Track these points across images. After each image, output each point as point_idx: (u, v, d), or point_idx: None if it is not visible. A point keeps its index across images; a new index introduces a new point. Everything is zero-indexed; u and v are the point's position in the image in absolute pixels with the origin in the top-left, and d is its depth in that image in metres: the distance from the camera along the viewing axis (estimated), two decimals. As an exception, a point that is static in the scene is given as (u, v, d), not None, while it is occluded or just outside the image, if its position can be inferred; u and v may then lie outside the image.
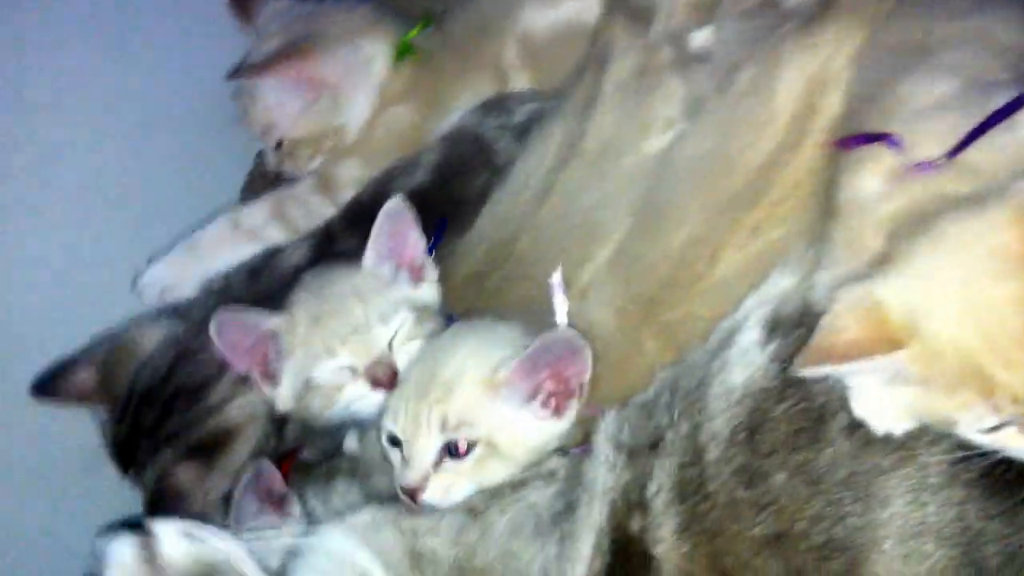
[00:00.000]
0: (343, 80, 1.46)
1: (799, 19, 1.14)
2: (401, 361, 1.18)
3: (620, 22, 1.29)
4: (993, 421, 0.77)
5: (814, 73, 1.09)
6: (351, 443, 1.29)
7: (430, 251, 1.28)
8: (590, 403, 1.10)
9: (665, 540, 0.90)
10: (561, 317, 1.13)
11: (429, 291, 1.26)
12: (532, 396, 1.07)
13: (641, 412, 1.01)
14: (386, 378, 1.16)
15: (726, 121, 1.13)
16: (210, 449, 1.28)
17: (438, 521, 1.02)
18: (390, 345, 1.19)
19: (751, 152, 1.10)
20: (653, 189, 1.17)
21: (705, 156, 1.13)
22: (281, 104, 1.45)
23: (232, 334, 1.22)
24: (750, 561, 0.86)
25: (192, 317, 1.36)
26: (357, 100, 1.48)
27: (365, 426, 1.28)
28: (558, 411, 1.08)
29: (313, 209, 1.47)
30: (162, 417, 1.30)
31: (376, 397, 1.17)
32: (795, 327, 0.91)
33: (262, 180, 1.58)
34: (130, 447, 1.32)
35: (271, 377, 1.24)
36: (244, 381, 1.28)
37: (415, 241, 1.24)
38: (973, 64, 0.96)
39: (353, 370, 1.19)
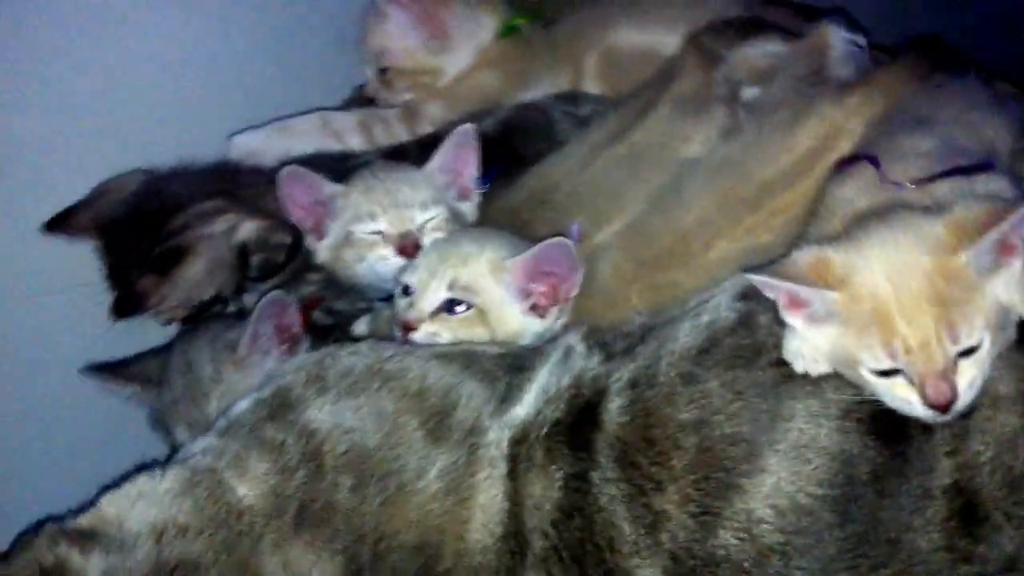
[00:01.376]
0: (457, 32, 1.71)
1: (835, 85, 1.39)
2: (426, 241, 1.39)
3: (694, 55, 1.54)
4: (887, 364, 0.97)
5: (834, 123, 1.31)
6: (360, 327, 1.50)
7: (487, 182, 1.51)
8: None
9: (611, 411, 1.10)
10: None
11: (468, 209, 1.49)
12: (525, 296, 1.30)
13: (619, 332, 1.22)
14: (409, 248, 1.38)
15: (753, 142, 1.36)
16: (167, 263, 1.47)
17: (360, 346, 1.23)
18: (421, 228, 1.41)
19: (766, 169, 1.31)
20: (677, 179, 1.39)
21: (728, 163, 1.35)
22: (402, 33, 1.68)
23: (295, 188, 1.44)
24: (672, 434, 1.06)
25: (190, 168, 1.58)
26: (460, 53, 1.72)
27: (378, 311, 1.50)
28: (541, 314, 1.31)
29: (393, 132, 1.70)
30: (134, 241, 1.49)
31: (396, 262, 1.38)
32: (763, 295, 1.11)
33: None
34: (115, 271, 1.51)
35: (319, 232, 1.46)
36: (208, 216, 1.49)
37: (472, 166, 1.47)
38: (957, 139, 1.20)
39: (386, 236, 1.40)
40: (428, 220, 1.41)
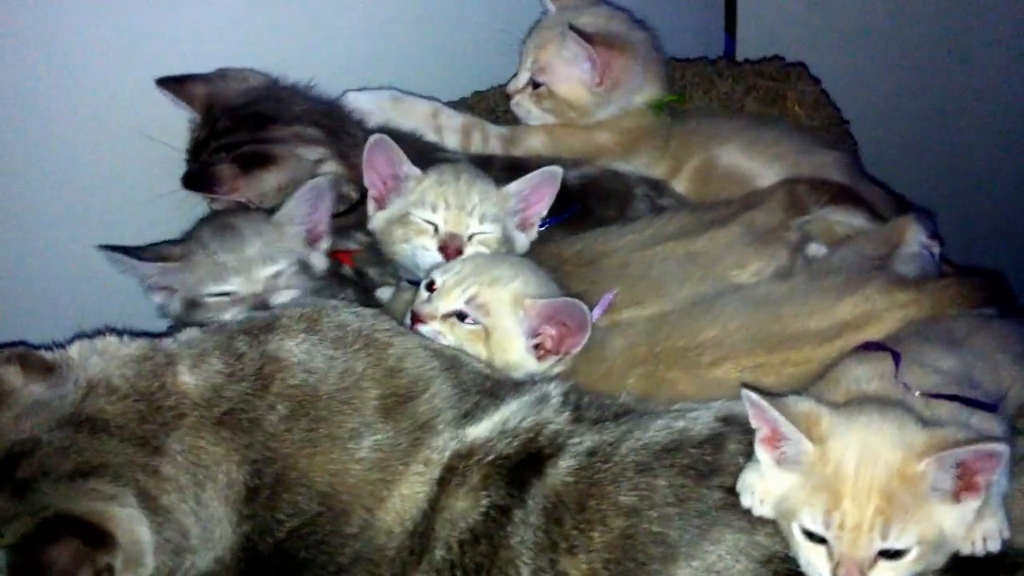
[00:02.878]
0: (618, 89, 1.76)
1: (893, 275, 1.44)
2: (468, 251, 1.47)
3: (784, 195, 1.62)
4: (819, 529, 1.03)
5: (875, 309, 1.37)
6: (384, 294, 1.60)
7: (551, 223, 1.59)
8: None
9: (559, 468, 1.16)
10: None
11: (523, 240, 1.57)
12: (532, 335, 1.37)
13: (598, 402, 1.27)
14: (451, 250, 1.47)
15: (797, 292, 1.42)
16: (253, 162, 1.54)
17: (365, 310, 1.31)
18: (471, 237, 1.49)
19: (797, 321, 1.38)
20: (717, 294, 1.45)
21: (767, 301, 1.42)
22: (575, 66, 1.74)
23: (378, 156, 1.53)
24: (605, 510, 1.11)
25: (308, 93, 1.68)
26: (609, 108, 1.78)
27: (401, 290, 1.57)
28: (540, 357, 1.38)
29: (489, 148, 1.78)
30: (232, 128, 1.58)
31: (434, 257, 1.47)
32: (743, 425, 1.14)
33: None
34: (201, 147, 1.60)
35: (382, 202, 1.54)
36: (306, 141, 1.58)
37: (543, 205, 1.56)
38: (977, 372, 1.24)
39: (436, 229, 1.48)
40: (480, 233, 1.49)
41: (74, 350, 1.23)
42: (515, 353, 1.37)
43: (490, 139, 1.79)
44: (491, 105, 1.89)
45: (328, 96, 1.72)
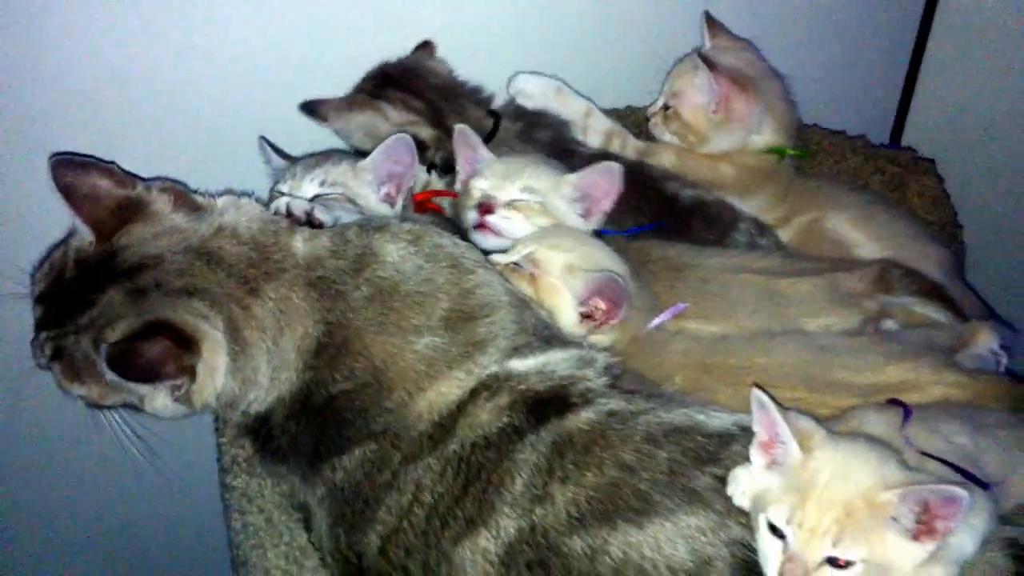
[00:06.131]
0: (739, 124, 1.91)
1: (950, 359, 1.52)
2: (499, 212, 1.64)
3: (877, 272, 1.70)
4: (781, 523, 1.12)
5: (921, 379, 1.45)
6: None
7: (638, 231, 1.75)
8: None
9: (580, 417, 1.29)
10: (658, 320, 1.57)
11: (580, 225, 1.68)
12: (581, 302, 1.52)
13: (637, 379, 1.41)
14: (483, 208, 1.64)
15: (857, 349, 1.52)
16: (347, 102, 1.81)
17: (461, 242, 1.48)
18: (509, 202, 1.64)
19: (846, 372, 1.47)
20: (782, 332, 1.56)
21: (825, 348, 1.51)
22: (700, 94, 1.89)
23: (463, 144, 1.74)
24: (604, 459, 1.24)
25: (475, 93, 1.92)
26: (728, 139, 1.93)
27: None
28: (580, 320, 1.53)
29: (625, 156, 1.94)
30: (364, 80, 1.85)
31: (474, 217, 1.65)
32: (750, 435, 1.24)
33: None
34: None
35: (465, 185, 1.73)
36: (405, 106, 1.82)
37: (607, 200, 1.68)
38: (985, 455, 1.30)
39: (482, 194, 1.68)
40: (518, 200, 1.64)
41: (221, 200, 1.46)
42: (563, 309, 1.51)
43: (628, 147, 1.96)
44: (638, 121, 2.05)
45: (462, 80, 1.92)
